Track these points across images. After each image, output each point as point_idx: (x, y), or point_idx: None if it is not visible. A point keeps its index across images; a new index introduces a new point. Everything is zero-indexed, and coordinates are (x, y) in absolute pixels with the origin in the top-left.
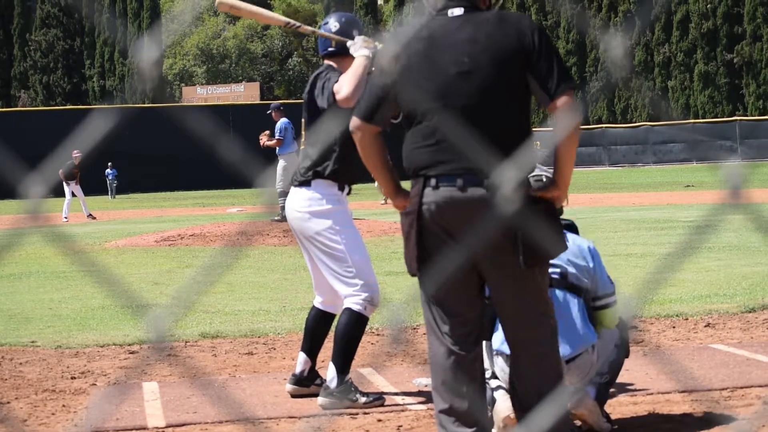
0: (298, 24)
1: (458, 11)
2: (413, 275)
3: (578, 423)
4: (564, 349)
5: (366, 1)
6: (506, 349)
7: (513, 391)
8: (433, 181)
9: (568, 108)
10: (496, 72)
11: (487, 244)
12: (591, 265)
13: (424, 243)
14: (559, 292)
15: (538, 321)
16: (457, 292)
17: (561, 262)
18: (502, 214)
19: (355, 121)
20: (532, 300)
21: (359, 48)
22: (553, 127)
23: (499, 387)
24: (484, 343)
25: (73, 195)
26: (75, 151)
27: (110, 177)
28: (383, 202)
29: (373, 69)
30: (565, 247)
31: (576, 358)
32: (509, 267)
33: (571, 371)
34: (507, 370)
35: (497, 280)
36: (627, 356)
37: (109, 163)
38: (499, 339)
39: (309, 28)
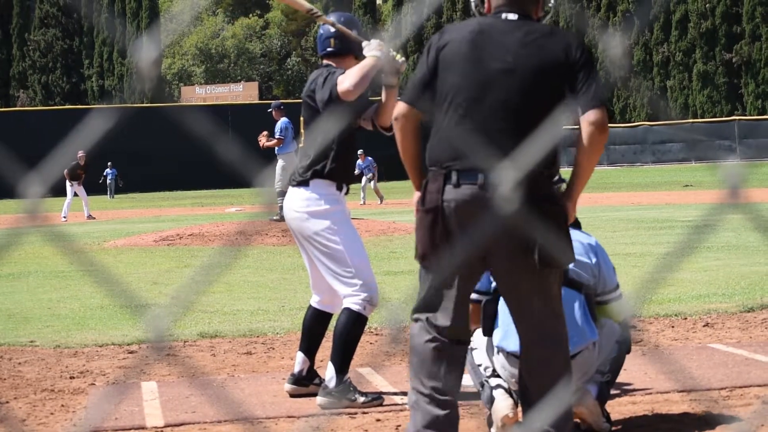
0: (319, 13)
1: (512, 16)
2: (422, 261)
3: (577, 421)
4: None
5: (365, 1)
6: (507, 346)
7: (522, 387)
8: (454, 178)
9: (599, 122)
10: (538, 76)
11: (504, 242)
12: (594, 261)
13: (442, 235)
14: None
15: (552, 321)
16: (462, 281)
17: None
18: (519, 215)
19: (400, 107)
20: (546, 300)
21: (373, 49)
22: (579, 141)
23: (498, 386)
24: (485, 339)
25: (75, 195)
26: (80, 152)
27: (110, 177)
28: (362, 203)
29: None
30: (573, 259)
31: (577, 356)
32: (524, 267)
33: (573, 368)
34: (508, 366)
35: (511, 278)
36: (628, 352)
37: (109, 163)
38: (499, 335)
39: (329, 19)
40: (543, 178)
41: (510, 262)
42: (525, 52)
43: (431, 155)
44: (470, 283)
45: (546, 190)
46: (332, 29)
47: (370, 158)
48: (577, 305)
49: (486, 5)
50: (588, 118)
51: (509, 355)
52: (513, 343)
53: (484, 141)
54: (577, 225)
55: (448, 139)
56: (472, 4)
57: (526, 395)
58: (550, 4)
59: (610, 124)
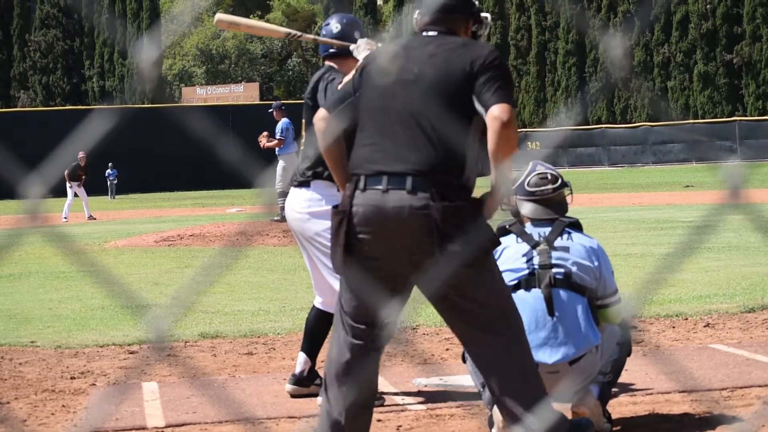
0: (298, 34)
1: (432, 32)
2: (337, 271)
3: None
4: (568, 350)
5: (365, 1)
6: None
7: (492, 396)
8: (362, 183)
9: (501, 116)
10: (439, 86)
11: (407, 250)
12: (596, 264)
13: (351, 242)
14: (563, 293)
15: (492, 329)
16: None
17: (565, 261)
18: (419, 218)
19: (320, 112)
20: (481, 295)
21: (362, 50)
22: (489, 135)
23: None
24: None
25: (76, 196)
26: (80, 153)
27: (111, 177)
28: None
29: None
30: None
31: (580, 359)
32: (428, 261)
33: (575, 372)
34: None
35: (425, 280)
36: (629, 354)
37: (110, 164)
38: None
39: (309, 36)
40: (450, 185)
41: (416, 263)
42: (430, 62)
43: (350, 164)
44: (396, 293)
45: (453, 195)
46: (334, 30)
47: None
48: (580, 309)
49: (419, 26)
50: (491, 113)
51: None
52: None
53: (389, 147)
54: (578, 227)
55: (361, 147)
56: (413, 24)
57: (497, 402)
58: (486, 22)
59: (610, 125)
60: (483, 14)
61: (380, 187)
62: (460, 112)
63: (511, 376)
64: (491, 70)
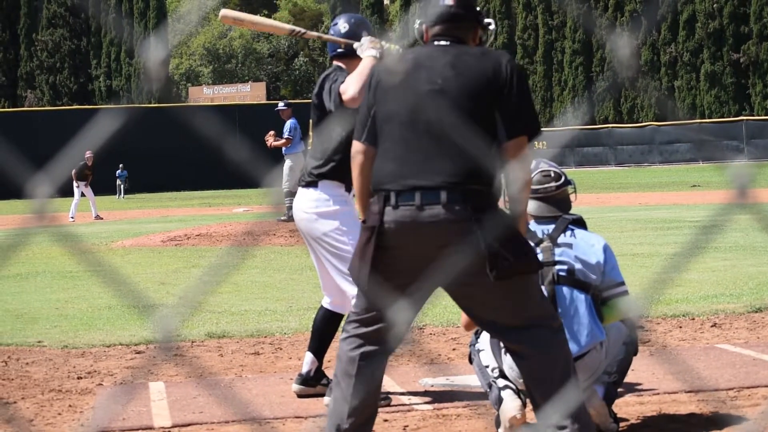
0: (303, 30)
1: (444, 42)
2: (362, 289)
3: None
4: (572, 347)
5: (372, 1)
6: None
7: (528, 392)
8: (393, 200)
9: (519, 154)
10: (467, 95)
11: (454, 262)
12: (601, 260)
13: (379, 258)
14: (566, 290)
15: (530, 327)
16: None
17: (568, 258)
18: (461, 234)
19: (356, 146)
20: (516, 309)
21: (366, 49)
22: (506, 174)
23: (506, 386)
24: (490, 339)
25: (83, 195)
26: (87, 152)
27: (121, 178)
28: None
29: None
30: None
31: (584, 356)
32: (479, 282)
33: (580, 369)
34: (515, 366)
35: (469, 296)
36: (635, 354)
37: (120, 165)
38: None
39: (314, 33)
40: (483, 195)
41: (468, 283)
42: (453, 73)
43: (374, 180)
44: (414, 304)
45: (486, 206)
46: (342, 30)
47: None
48: (584, 305)
49: (425, 36)
50: (508, 146)
51: None
52: None
53: (419, 161)
54: (581, 224)
55: (386, 162)
56: (416, 34)
57: (531, 399)
58: (490, 28)
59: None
60: (487, 20)
61: (414, 203)
62: (487, 121)
63: (551, 381)
64: (515, 86)
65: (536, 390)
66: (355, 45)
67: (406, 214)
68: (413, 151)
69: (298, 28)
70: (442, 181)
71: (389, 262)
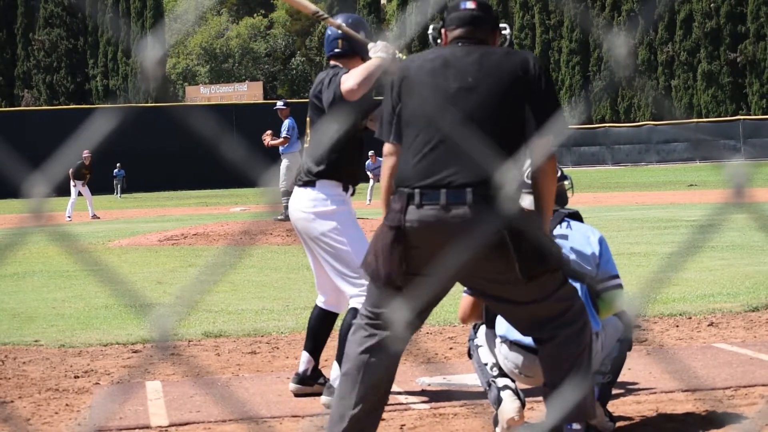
0: (325, 15)
1: (468, 43)
2: (395, 287)
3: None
4: None
5: (369, 1)
6: (511, 335)
7: (544, 374)
8: (417, 198)
9: (546, 152)
10: (498, 92)
11: (480, 262)
12: (596, 251)
13: (407, 258)
14: None
15: (557, 322)
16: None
17: (564, 249)
18: (488, 232)
19: (386, 147)
20: (542, 307)
21: (378, 51)
22: (533, 172)
23: (506, 386)
24: (486, 331)
25: (80, 195)
26: (85, 152)
27: (118, 177)
28: (368, 203)
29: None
30: (561, 261)
31: None
32: (511, 281)
33: None
34: (510, 357)
35: (501, 294)
36: (629, 350)
37: (118, 164)
38: (503, 326)
39: (335, 21)
40: (508, 195)
41: (493, 280)
42: (483, 71)
43: (398, 178)
44: (436, 300)
45: (512, 206)
46: (339, 31)
47: (381, 159)
48: (580, 295)
49: (443, 39)
50: (539, 142)
51: (512, 344)
52: (516, 332)
53: (445, 159)
54: (578, 217)
55: (410, 160)
56: (430, 38)
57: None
58: (504, 32)
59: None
60: (501, 25)
61: (439, 202)
62: (516, 119)
63: (566, 370)
64: (544, 83)
65: (549, 375)
66: (370, 45)
67: (430, 214)
68: (439, 149)
69: (322, 12)
70: (469, 180)
71: (411, 262)
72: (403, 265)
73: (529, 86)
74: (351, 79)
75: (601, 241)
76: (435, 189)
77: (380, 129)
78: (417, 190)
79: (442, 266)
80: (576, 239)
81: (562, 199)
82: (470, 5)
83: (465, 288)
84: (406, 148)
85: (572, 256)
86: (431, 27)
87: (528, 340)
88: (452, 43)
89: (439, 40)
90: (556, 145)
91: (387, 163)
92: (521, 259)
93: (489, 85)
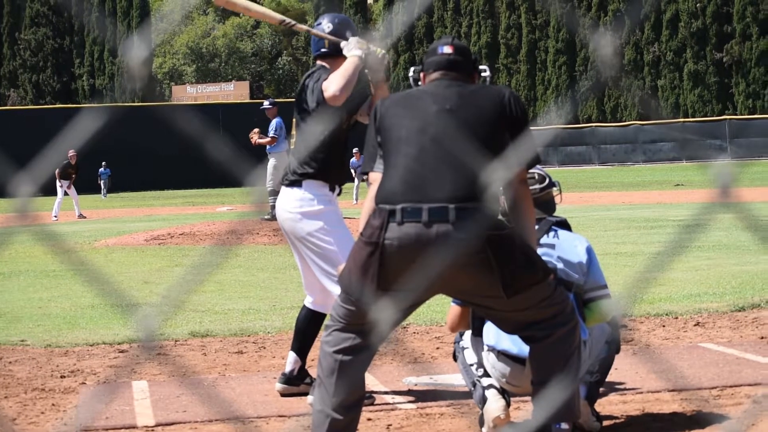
0: (293, 22)
1: (447, 81)
2: (364, 306)
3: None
4: None
5: (355, 0)
6: (499, 345)
7: (532, 372)
8: (398, 216)
9: (522, 179)
10: (476, 114)
11: (462, 278)
12: (584, 260)
13: (385, 275)
14: None
15: (549, 323)
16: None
17: (550, 258)
18: (470, 253)
19: (371, 176)
20: (531, 314)
21: (352, 48)
22: (510, 194)
23: (491, 386)
24: (472, 338)
25: (66, 194)
26: (70, 151)
27: (104, 176)
28: (355, 202)
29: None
30: (548, 272)
31: None
32: (494, 295)
33: None
34: (498, 366)
35: (486, 304)
36: (618, 352)
37: (104, 163)
38: (490, 335)
39: (303, 26)
40: (490, 212)
41: (478, 295)
42: (463, 99)
43: (378, 198)
44: (412, 309)
45: (494, 223)
46: (326, 29)
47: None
48: None
49: (422, 80)
50: (519, 173)
51: (500, 354)
52: (504, 342)
53: (426, 178)
54: (565, 226)
55: (392, 179)
56: (411, 80)
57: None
58: (484, 75)
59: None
60: (481, 66)
61: (421, 219)
62: (494, 142)
63: (554, 370)
64: (521, 114)
65: (537, 374)
66: (342, 44)
67: (411, 232)
68: (420, 168)
69: (288, 19)
70: (450, 196)
71: (389, 278)
72: (375, 283)
73: (506, 116)
74: (332, 86)
75: (589, 250)
76: (416, 205)
77: (365, 163)
78: (399, 207)
79: (421, 281)
80: (563, 248)
81: (549, 206)
82: (447, 50)
83: (453, 298)
84: (388, 167)
85: (559, 265)
86: (412, 69)
87: (516, 351)
88: (433, 80)
89: (420, 83)
90: (523, 165)
91: (371, 189)
92: (504, 277)
93: (468, 110)
